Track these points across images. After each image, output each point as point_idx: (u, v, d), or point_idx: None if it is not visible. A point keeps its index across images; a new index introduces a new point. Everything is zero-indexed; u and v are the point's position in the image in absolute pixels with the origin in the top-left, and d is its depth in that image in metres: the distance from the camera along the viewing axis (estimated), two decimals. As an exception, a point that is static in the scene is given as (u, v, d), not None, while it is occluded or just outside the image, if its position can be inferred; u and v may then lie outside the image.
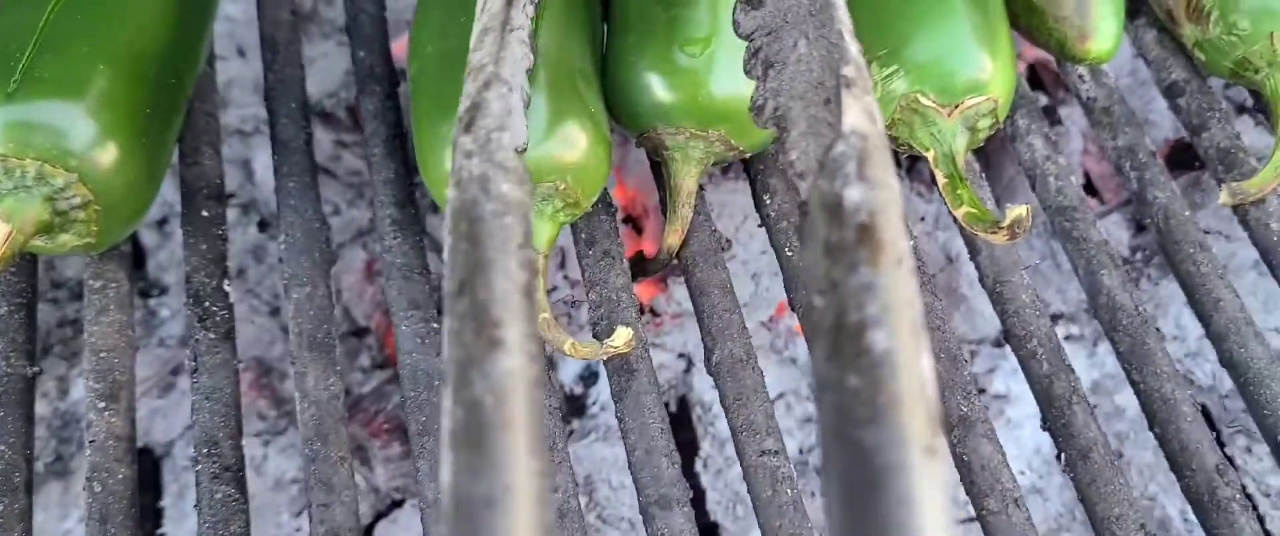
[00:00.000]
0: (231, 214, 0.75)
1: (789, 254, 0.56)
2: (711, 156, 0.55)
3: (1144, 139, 0.60)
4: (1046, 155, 0.59)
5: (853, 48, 0.34)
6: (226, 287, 0.55)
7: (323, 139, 0.77)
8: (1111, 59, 0.58)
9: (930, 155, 0.53)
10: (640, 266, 0.57)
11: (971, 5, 0.54)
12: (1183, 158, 0.76)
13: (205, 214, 0.57)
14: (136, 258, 0.74)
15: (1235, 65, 0.58)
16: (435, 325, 0.54)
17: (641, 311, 0.72)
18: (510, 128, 0.33)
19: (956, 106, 0.53)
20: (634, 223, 0.76)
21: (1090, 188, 0.77)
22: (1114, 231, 0.74)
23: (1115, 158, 0.60)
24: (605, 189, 0.57)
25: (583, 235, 0.56)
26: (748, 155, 0.56)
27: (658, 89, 0.53)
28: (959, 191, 0.52)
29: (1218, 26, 0.58)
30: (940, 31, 0.53)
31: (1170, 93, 0.62)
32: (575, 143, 0.51)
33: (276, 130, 0.59)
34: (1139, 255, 0.73)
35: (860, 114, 0.31)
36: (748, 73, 0.39)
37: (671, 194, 0.55)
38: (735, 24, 0.41)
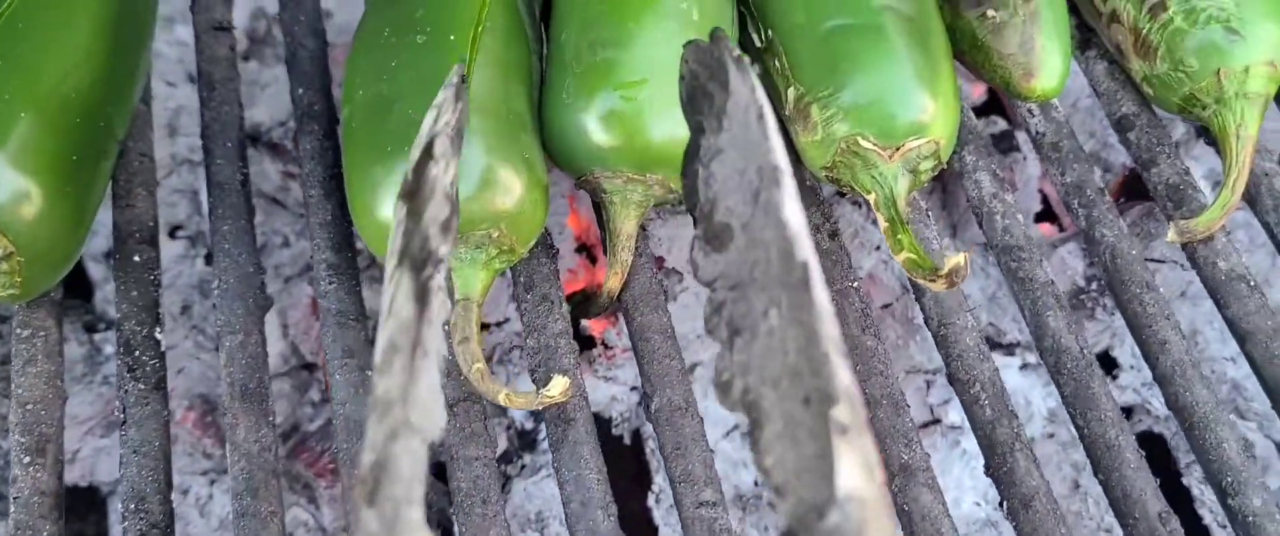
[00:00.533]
0: (179, 246, 0.74)
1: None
2: (651, 199, 0.54)
3: (1093, 175, 0.59)
4: (993, 193, 0.58)
5: (842, 377, 0.28)
6: (158, 336, 0.54)
7: (270, 170, 0.76)
8: (1058, 96, 0.58)
9: (872, 198, 0.53)
10: (583, 307, 0.56)
11: (913, 44, 0.53)
12: (1139, 186, 0.75)
13: (137, 259, 0.56)
14: (84, 291, 0.73)
15: (1183, 101, 0.58)
16: (370, 373, 0.53)
17: (592, 345, 0.71)
18: (417, 499, 0.28)
19: (897, 149, 0.52)
20: (589, 252, 0.75)
21: (1049, 213, 0.77)
22: (1070, 260, 0.74)
23: (1064, 194, 0.59)
24: (546, 230, 0.56)
25: (521, 278, 0.55)
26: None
27: (593, 133, 0.52)
28: (900, 237, 0.51)
29: (1165, 63, 0.57)
30: (880, 72, 0.52)
31: (1121, 126, 0.61)
32: (509, 190, 0.51)
33: (212, 170, 0.58)
34: (1094, 285, 0.73)
35: (856, 470, 0.26)
36: (709, 331, 0.34)
37: (611, 237, 0.54)
38: (693, 264, 0.36)
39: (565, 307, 0.55)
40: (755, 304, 0.33)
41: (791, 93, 0.54)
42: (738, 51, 0.38)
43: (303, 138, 0.59)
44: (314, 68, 0.61)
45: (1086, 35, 0.63)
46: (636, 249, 0.56)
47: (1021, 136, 0.78)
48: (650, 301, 0.55)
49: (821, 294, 0.30)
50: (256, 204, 0.73)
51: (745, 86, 0.36)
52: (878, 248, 0.75)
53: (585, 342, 0.71)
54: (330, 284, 0.55)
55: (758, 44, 0.57)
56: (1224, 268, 0.56)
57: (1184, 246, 0.57)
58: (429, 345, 0.33)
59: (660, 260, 0.72)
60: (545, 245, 0.56)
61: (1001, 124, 0.79)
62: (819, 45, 0.53)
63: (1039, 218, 0.76)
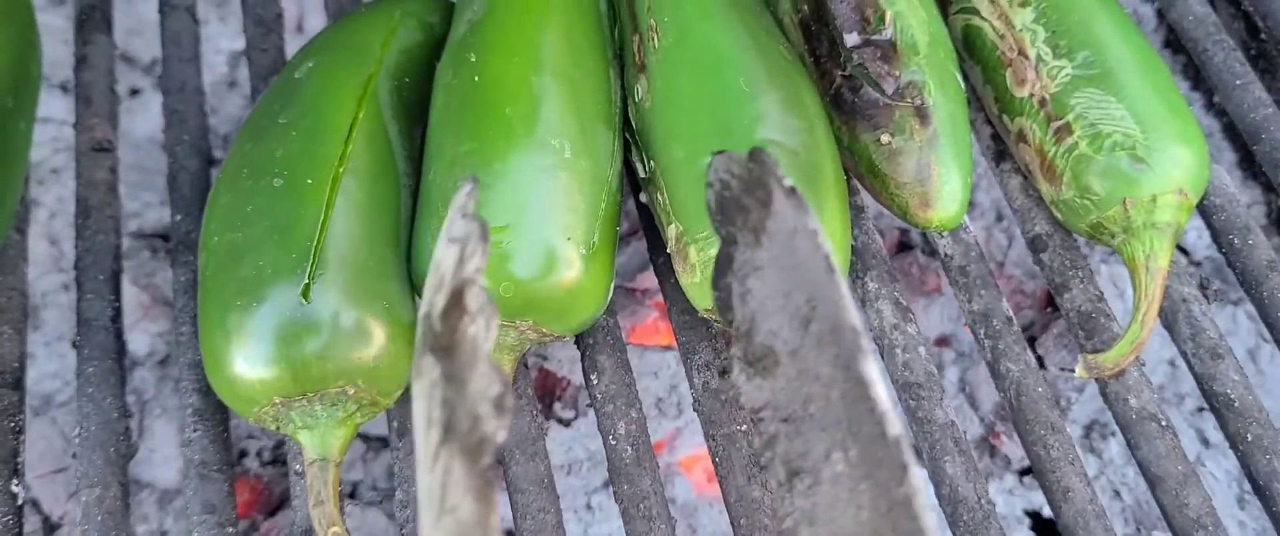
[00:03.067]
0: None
1: (612, 442, 0.52)
2: (525, 343, 0.52)
3: (1000, 303, 0.56)
4: (894, 324, 0.55)
5: None
6: (14, 489, 0.52)
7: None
8: (957, 226, 0.55)
9: None
10: (462, 450, 0.54)
11: (795, 176, 0.50)
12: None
13: (-3, 404, 0.53)
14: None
15: (1091, 228, 0.55)
16: (231, 530, 0.50)
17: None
18: None
19: None
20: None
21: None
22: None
23: (971, 322, 0.56)
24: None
25: (394, 423, 0.53)
26: (564, 337, 0.53)
27: (461, 277, 0.50)
28: None
29: (1070, 189, 0.54)
30: None
31: (1034, 246, 0.58)
32: (367, 344, 0.48)
33: (81, 307, 0.56)
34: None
35: None
36: (762, 465, 0.32)
37: (486, 381, 0.52)
38: (734, 387, 0.34)
39: (439, 455, 0.52)
40: (815, 444, 0.31)
41: (672, 230, 0.52)
42: (787, 178, 0.35)
43: (177, 268, 0.57)
44: (194, 193, 0.59)
45: (1001, 147, 0.61)
46: (516, 390, 0.53)
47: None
48: (527, 448, 0.52)
49: (916, 471, 0.29)
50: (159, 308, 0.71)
51: (794, 212, 0.34)
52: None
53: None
54: (195, 431, 0.52)
55: (642, 174, 0.55)
56: (1135, 405, 0.53)
57: (1095, 381, 0.54)
58: None
59: (548, 382, 0.69)
60: (422, 386, 0.54)
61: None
62: (698, 183, 0.51)
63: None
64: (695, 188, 0.51)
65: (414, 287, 0.52)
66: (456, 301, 0.35)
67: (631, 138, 0.56)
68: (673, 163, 0.52)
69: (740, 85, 0.52)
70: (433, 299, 0.35)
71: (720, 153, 0.38)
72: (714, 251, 0.49)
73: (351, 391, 0.48)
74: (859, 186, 0.60)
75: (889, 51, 0.56)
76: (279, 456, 0.67)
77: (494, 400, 0.33)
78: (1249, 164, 0.79)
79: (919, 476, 0.29)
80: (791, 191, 0.35)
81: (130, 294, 0.71)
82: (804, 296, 0.33)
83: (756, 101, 0.52)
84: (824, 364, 0.31)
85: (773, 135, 0.51)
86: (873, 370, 0.31)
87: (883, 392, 0.30)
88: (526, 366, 0.55)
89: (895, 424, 0.30)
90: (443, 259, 0.36)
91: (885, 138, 0.54)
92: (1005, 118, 0.58)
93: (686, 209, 0.51)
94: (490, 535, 0.30)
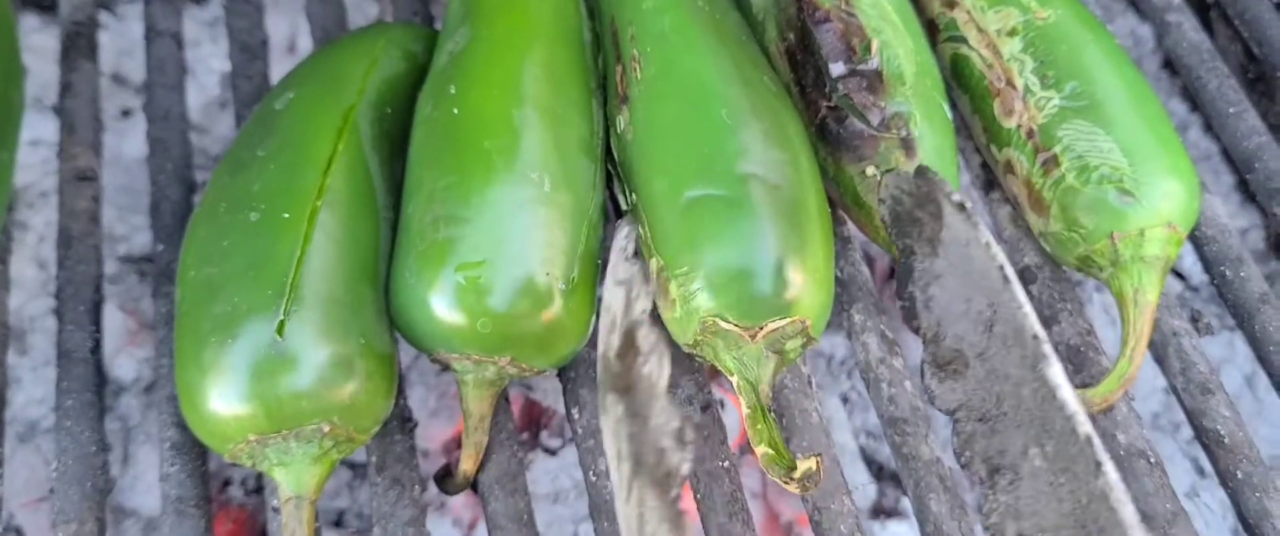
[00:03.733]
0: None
1: (592, 477, 0.52)
2: (505, 378, 0.51)
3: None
4: (880, 358, 0.55)
5: None
6: (-10, 524, 0.51)
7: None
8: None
9: (734, 381, 0.49)
10: (442, 483, 0.53)
11: (778, 215, 0.50)
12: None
13: (-26, 439, 0.53)
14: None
15: (1079, 261, 0.54)
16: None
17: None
18: None
19: (760, 329, 0.49)
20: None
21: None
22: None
23: (958, 355, 0.56)
24: (402, 402, 0.53)
25: (373, 458, 0.52)
26: (546, 372, 0.53)
27: (436, 315, 0.49)
28: (759, 426, 0.48)
29: (1058, 222, 0.54)
30: (739, 248, 0.49)
31: (1023, 278, 0.58)
32: (342, 382, 0.48)
33: (62, 337, 0.56)
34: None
35: None
36: (963, 464, 0.33)
37: (465, 418, 0.51)
38: (928, 391, 0.35)
39: (418, 491, 0.52)
40: (1012, 442, 0.33)
41: (654, 263, 0.51)
42: (956, 194, 0.36)
43: (158, 300, 0.57)
44: (175, 222, 0.59)
45: (991, 176, 0.60)
46: (496, 424, 0.53)
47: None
48: (506, 484, 0.52)
49: (1110, 466, 0.31)
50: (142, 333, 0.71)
51: (966, 225, 0.38)
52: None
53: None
54: (172, 465, 0.52)
55: (624, 207, 0.54)
56: (1124, 441, 0.52)
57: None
58: None
59: (534, 411, 0.68)
60: (401, 418, 0.53)
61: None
62: (679, 216, 0.50)
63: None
64: (677, 221, 0.50)
65: (392, 322, 0.52)
66: (629, 342, 0.37)
67: (614, 169, 0.55)
68: (654, 195, 0.51)
69: (722, 118, 0.52)
70: (608, 340, 0.37)
71: (888, 170, 0.39)
72: (695, 283, 0.48)
73: (327, 428, 0.48)
74: (846, 217, 0.60)
75: (875, 82, 0.55)
76: (263, 485, 0.66)
77: (675, 434, 0.35)
78: (1247, 187, 0.78)
79: (1114, 472, 0.31)
80: (960, 206, 0.37)
81: (117, 319, 0.70)
82: (985, 302, 0.34)
83: (738, 134, 0.51)
84: (1011, 365, 0.33)
85: (754, 169, 0.50)
86: (1058, 372, 0.33)
87: (1070, 394, 0.33)
88: (507, 400, 0.54)
89: (1085, 423, 0.32)
90: (612, 302, 0.39)
91: (870, 170, 0.54)
92: (993, 148, 0.57)
93: (668, 242, 0.50)
94: None
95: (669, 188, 0.51)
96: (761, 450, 0.47)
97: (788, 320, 0.49)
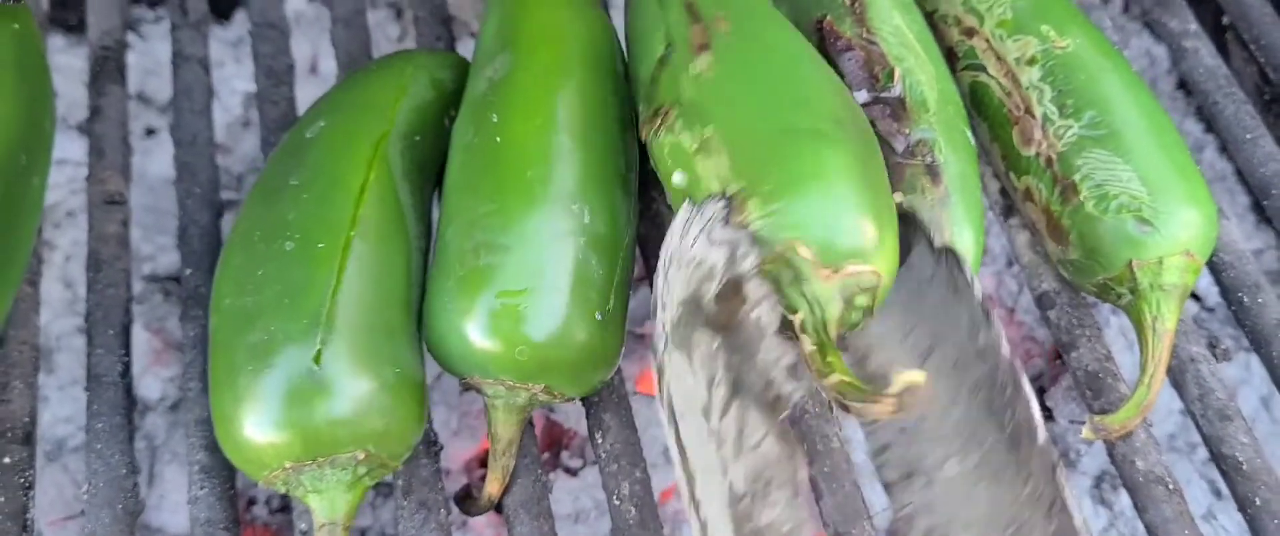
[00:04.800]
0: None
1: (616, 502, 0.52)
2: (535, 404, 0.52)
3: (1006, 362, 0.56)
4: (900, 383, 0.55)
5: None
6: (24, 546, 0.52)
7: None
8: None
9: (798, 319, 0.47)
10: (464, 505, 0.54)
11: (871, 161, 0.50)
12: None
13: (7, 460, 0.54)
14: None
15: (1098, 288, 0.55)
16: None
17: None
18: None
19: (837, 270, 0.47)
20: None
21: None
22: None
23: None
24: (428, 427, 0.54)
25: (399, 481, 0.53)
26: (574, 399, 0.53)
27: (473, 341, 0.50)
28: (829, 359, 0.45)
29: (1076, 250, 0.54)
30: (838, 180, 0.48)
31: (1041, 303, 0.58)
32: (376, 411, 0.49)
33: (91, 361, 0.57)
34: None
35: None
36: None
37: (493, 441, 0.52)
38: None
39: (444, 514, 0.52)
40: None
41: (731, 189, 0.49)
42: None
43: (186, 324, 0.57)
44: (203, 247, 0.60)
45: (1009, 201, 0.61)
46: (521, 448, 0.53)
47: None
48: (531, 508, 0.52)
49: None
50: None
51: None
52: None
53: None
54: (201, 488, 0.53)
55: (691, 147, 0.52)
56: (1142, 467, 0.53)
57: (1103, 441, 0.54)
58: (804, 487, 0.36)
59: (555, 432, 0.69)
60: (427, 442, 0.54)
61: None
62: (771, 145, 0.49)
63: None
64: (769, 150, 0.49)
65: (428, 348, 0.52)
66: (735, 290, 0.37)
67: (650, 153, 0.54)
68: (740, 126, 0.50)
69: (811, 69, 0.53)
70: (702, 287, 0.41)
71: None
72: (777, 207, 0.48)
73: (362, 456, 0.48)
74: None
75: (898, 109, 0.56)
76: (288, 504, 0.67)
77: (788, 367, 0.36)
78: (1262, 209, 0.78)
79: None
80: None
81: (143, 339, 0.71)
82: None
83: (829, 84, 0.53)
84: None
85: (847, 116, 0.51)
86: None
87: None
88: (532, 422, 0.55)
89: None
90: (707, 256, 0.43)
91: (897, 196, 0.54)
92: (1012, 175, 0.58)
93: (754, 169, 0.48)
94: (799, 469, 0.34)
95: (760, 118, 0.50)
96: (834, 380, 0.44)
97: (866, 268, 0.48)
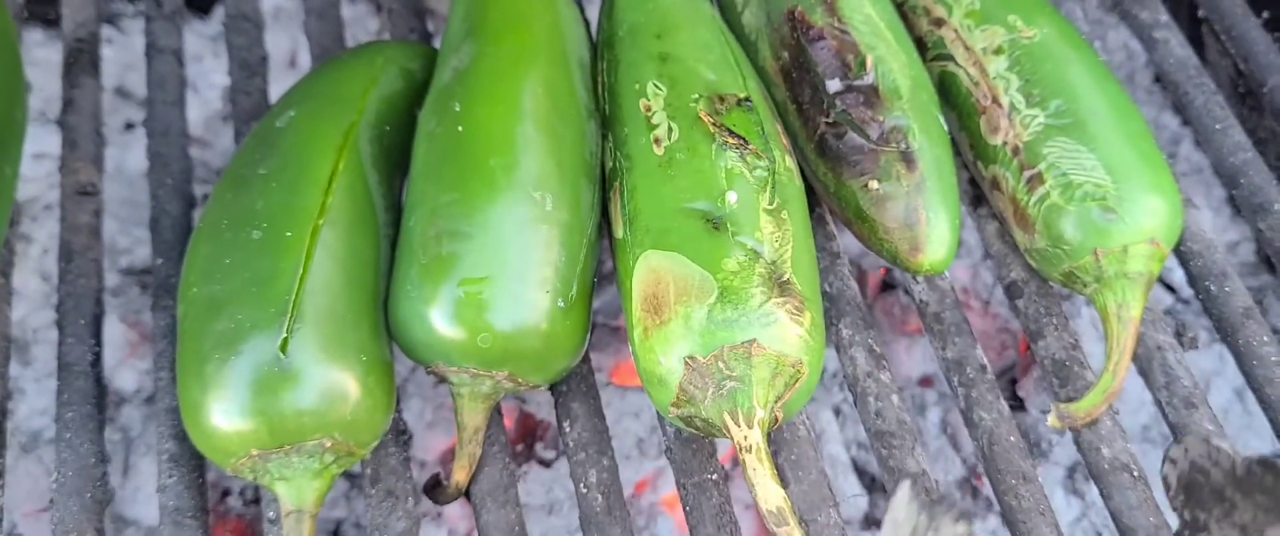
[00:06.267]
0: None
1: (583, 490, 0.52)
2: (500, 392, 0.52)
3: (974, 351, 0.56)
4: (867, 371, 0.55)
5: None
6: (-7, 533, 0.52)
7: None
8: (947, 269, 0.55)
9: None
10: (433, 493, 0.54)
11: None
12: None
13: (-23, 451, 0.54)
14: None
15: (1064, 277, 0.55)
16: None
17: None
18: None
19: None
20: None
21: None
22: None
23: (944, 369, 0.57)
24: (397, 415, 0.54)
25: (367, 470, 0.53)
26: (539, 386, 0.53)
27: (436, 328, 0.50)
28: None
29: (1042, 238, 0.54)
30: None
31: (1010, 292, 0.59)
32: (343, 398, 0.49)
33: (62, 350, 0.57)
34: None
35: None
36: None
37: (460, 429, 0.52)
38: None
39: (412, 503, 0.53)
40: None
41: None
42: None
43: (157, 314, 0.57)
44: (175, 237, 0.60)
45: (979, 190, 0.61)
46: (489, 437, 0.54)
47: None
48: (498, 496, 0.52)
49: None
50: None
51: None
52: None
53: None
54: (170, 477, 0.53)
55: (618, 234, 0.53)
56: (1108, 455, 0.53)
57: (1070, 429, 0.54)
58: None
59: (528, 423, 0.69)
60: (396, 431, 0.54)
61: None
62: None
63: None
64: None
65: (392, 336, 0.52)
66: None
67: (608, 193, 0.55)
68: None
69: None
70: None
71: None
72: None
73: (329, 443, 0.49)
74: (835, 232, 0.61)
75: (872, 97, 0.56)
76: (261, 495, 0.67)
77: None
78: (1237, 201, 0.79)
79: None
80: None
81: (118, 331, 0.71)
82: None
83: None
84: None
85: None
86: None
87: None
88: (500, 412, 0.55)
89: None
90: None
91: (872, 184, 0.54)
92: (980, 164, 0.58)
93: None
94: None
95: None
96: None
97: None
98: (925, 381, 0.72)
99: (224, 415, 0.48)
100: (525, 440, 0.69)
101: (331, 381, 0.49)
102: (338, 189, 0.53)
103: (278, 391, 0.48)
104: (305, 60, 0.84)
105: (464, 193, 0.52)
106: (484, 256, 0.50)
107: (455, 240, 0.51)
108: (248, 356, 0.48)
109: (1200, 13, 0.78)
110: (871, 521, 0.67)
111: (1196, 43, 0.77)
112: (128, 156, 0.80)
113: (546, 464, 0.68)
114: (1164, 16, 0.69)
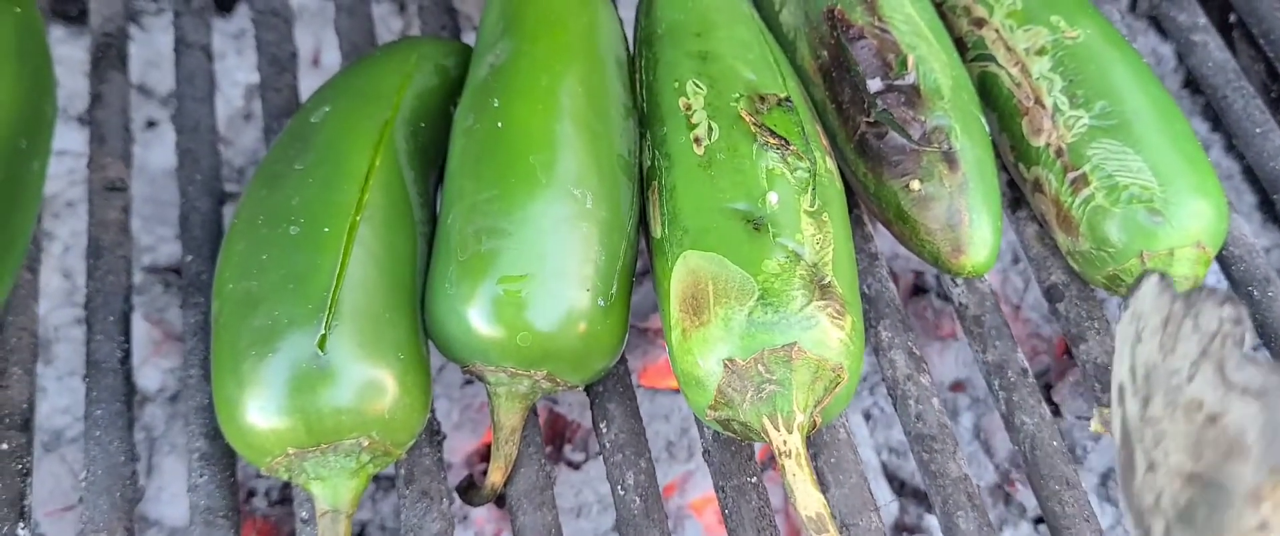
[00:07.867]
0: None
1: (620, 492, 0.52)
2: (537, 392, 0.51)
3: (1015, 354, 0.56)
4: (908, 375, 0.55)
5: None
6: (21, 532, 0.52)
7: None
8: (989, 270, 0.54)
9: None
10: (466, 494, 0.53)
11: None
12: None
13: (5, 446, 0.53)
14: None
15: (1108, 279, 0.54)
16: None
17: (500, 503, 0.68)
18: None
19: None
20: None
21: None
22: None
23: (985, 373, 0.56)
24: (431, 417, 0.54)
25: (402, 470, 0.52)
26: (577, 387, 0.53)
27: (475, 327, 0.49)
28: None
29: (1087, 240, 0.54)
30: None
31: (1050, 296, 0.58)
32: (380, 396, 0.48)
33: (91, 348, 0.56)
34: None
35: None
36: None
37: (496, 430, 0.52)
38: None
39: (446, 504, 0.52)
40: None
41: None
42: None
43: (186, 311, 0.57)
44: (205, 234, 0.59)
45: (1017, 194, 0.60)
46: (525, 438, 0.53)
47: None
48: (534, 498, 0.52)
49: None
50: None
51: None
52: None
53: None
54: (201, 476, 0.52)
55: (656, 233, 0.53)
56: (1151, 460, 0.52)
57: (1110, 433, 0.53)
58: None
59: (558, 425, 0.69)
60: (430, 431, 0.53)
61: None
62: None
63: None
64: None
65: (429, 334, 0.52)
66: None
67: (647, 193, 0.55)
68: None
69: None
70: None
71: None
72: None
73: (366, 443, 0.48)
74: (872, 233, 0.60)
75: (913, 96, 0.55)
76: (287, 496, 0.66)
77: None
78: (1270, 207, 0.78)
79: None
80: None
81: (142, 329, 0.71)
82: None
83: None
84: None
85: None
86: None
87: None
88: (535, 412, 0.54)
89: None
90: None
91: (914, 184, 0.54)
92: (1021, 166, 0.57)
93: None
94: None
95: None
96: None
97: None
98: (957, 386, 0.71)
99: (261, 412, 0.47)
100: (554, 442, 0.68)
101: (369, 379, 0.48)
102: (374, 185, 0.52)
103: (315, 389, 0.47)
104: (329, 58, 0.84)
105: (503, 189, 0.51)
106: (524, 254, 0.49)
107: (494, 237, 0.50)
108: (285, 353, 0.47)
109: (1232, 17, 0.77)
110: (903, 528, 0.66)
111: (1228, 48, 0.77)
112: (150, 154, 0.79)
113: (575, 466, 0.67)
114: (1202, 19, 0.68)
